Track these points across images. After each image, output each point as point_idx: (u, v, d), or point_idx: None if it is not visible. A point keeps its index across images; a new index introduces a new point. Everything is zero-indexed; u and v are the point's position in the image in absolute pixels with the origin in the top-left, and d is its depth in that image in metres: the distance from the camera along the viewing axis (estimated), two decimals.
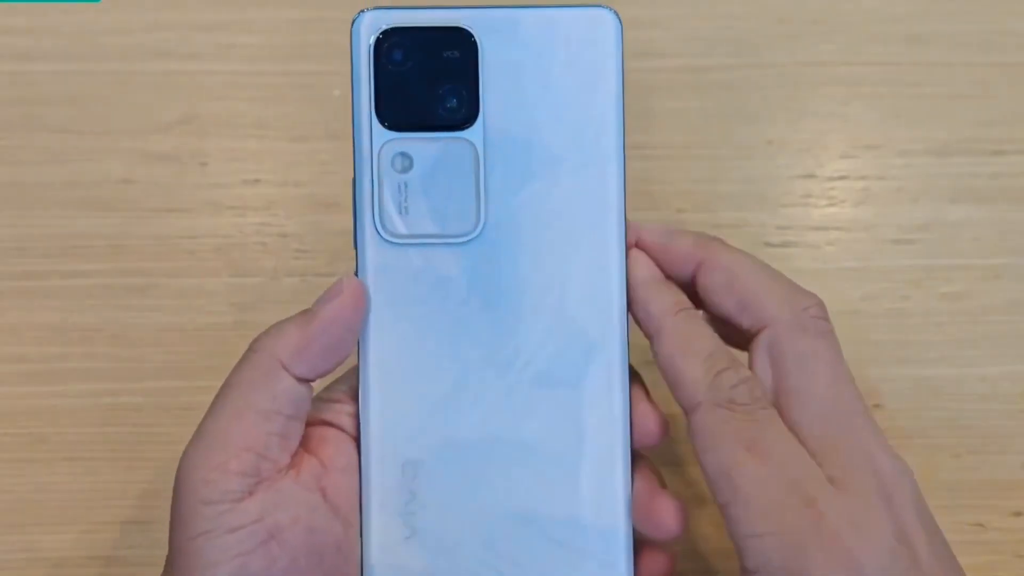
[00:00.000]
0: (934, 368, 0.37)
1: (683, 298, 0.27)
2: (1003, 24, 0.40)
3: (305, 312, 0.26)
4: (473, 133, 0.25)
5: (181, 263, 0.38)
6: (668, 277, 0.28)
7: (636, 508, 0.26)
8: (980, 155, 0.38)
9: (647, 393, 0.27)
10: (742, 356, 0.27)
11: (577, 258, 0.26)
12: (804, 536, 0.23)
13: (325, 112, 0.40)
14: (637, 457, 0.27)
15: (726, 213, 0.38)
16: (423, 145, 0.25)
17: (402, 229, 0.26)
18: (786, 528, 0.23)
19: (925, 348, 0.37)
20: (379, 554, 0.26)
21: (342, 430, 0.27)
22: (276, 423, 0.25)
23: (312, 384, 0.26)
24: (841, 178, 0.39)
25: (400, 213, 0.25)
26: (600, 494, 0.26)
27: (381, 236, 0.26)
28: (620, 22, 0.26)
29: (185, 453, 0.25)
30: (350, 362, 0.27)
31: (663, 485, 0.27)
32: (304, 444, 0.26)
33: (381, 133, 0.25)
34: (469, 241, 0.26)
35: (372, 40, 0.25)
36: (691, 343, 0.26)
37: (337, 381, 0.28)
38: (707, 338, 0.26)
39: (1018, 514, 0.35)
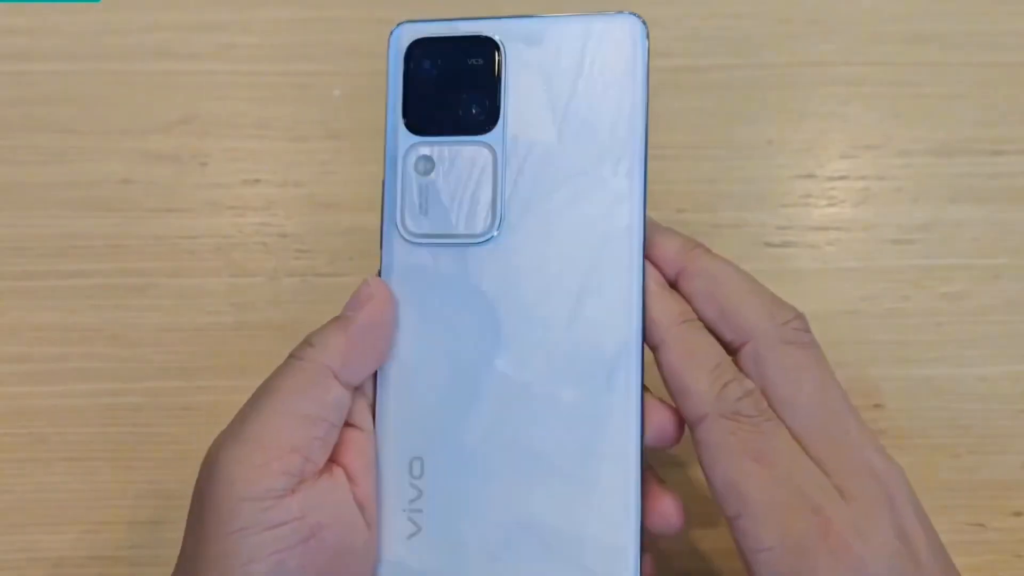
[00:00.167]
0: (934, 368, 0.37)
1: (687, 308, 0.27)
2: (1003, 24, 0.40)
3: (341, 319, 0.26)
4: (493, 137, 0.26)
5: (181, 263, 0.38)
6: None
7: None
8: (980, 155, 0.38)
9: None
10: None
11: (597, 262, 0.26)
12: (812, 544, 0.23)
13: (325, 112, 0.40)
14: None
15: (726, 213, 0.38)
16: (445, 149, 0.26)
17: (422, 229, 0.26)
18: (795, 537, 0.23)
19: (925, 348, 0.37)
20: (387, 550, 0.26)
21: (363, 430, 0.27)
22: (321, 428, 0.25)
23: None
24: (841, 178, 0.39)
25: (421, 213, 0.26)
26: (610, 509, 0.26)
27: (403, 236, 0.26)
28: (646, 28, 0.26)
29: (219, 451, 0.25)
30: None
31: (660, 480, 0.27)
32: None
33: (406, 137, 0.26)
34: (487, 242, 0.26)
35: (403, 50, 0.27)
36: (696, 354, 0.26)
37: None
38: (712, 350, 0.26)
39: (1018, 514, 0.35)
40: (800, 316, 0.27)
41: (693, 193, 0.38)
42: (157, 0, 0.41)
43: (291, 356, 0.26)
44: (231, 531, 0.23)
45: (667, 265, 0.27)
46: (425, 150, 0.26)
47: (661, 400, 0.27)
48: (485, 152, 0.26)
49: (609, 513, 0.26)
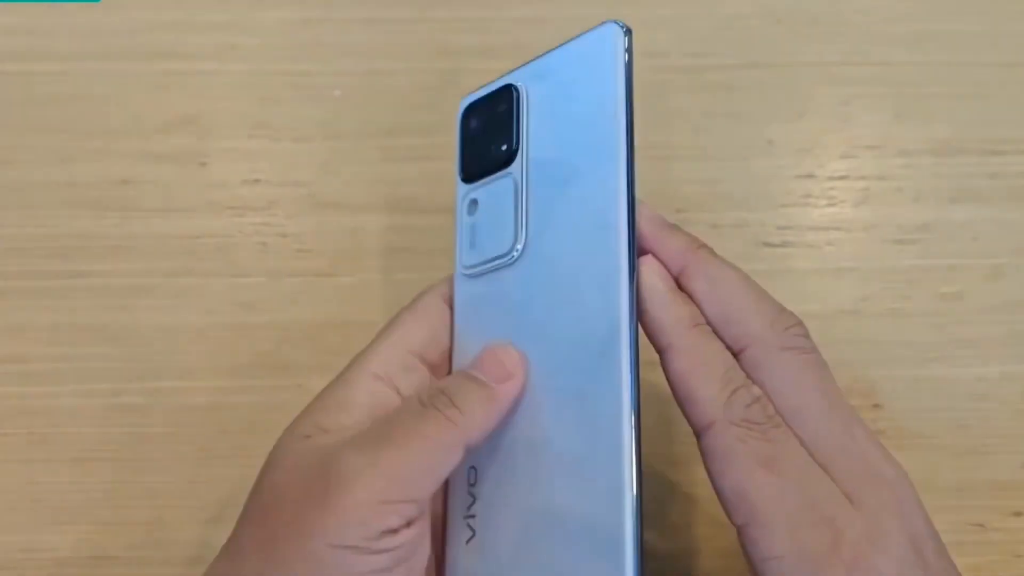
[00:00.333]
0: (934, 368, 0.37)
1: (696, 311, 0.27)
2: (1003, 24, 0.40)
3: (486, 389, 0.26)
4: (515, 167, 0.29)
5: (181, 263, 0.38)
6: None
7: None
8: (980, 155, 0.38)
9: None
10: None
11: (588, 267, 0.26)
12: (824, 553, 0.23)
13: (325, 112, 0.40)
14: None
15: (726, 213, 0.38)
16: (484, 189, 0.30)
17: (471, 261, 0.29)
18: (806, 547, 0.23)
19: (925, 348, 0.37)
20: (451, 556, 0.28)
21: None
22: (438, 484, 0.26)
23: None
24: (841, 178, 0.39)
25: (471, 248, 0.29)
26: (605, 501, 0.26)
27: (463, 273, 0.30)
28: (625, 32, 0.27)
29: (347, 466, 0.24)
30: None
31: None
32: None
33: (463, 188, 0.30)
34: (513, 259, 0.28)
35: (460, 115, 0.31)
36: (706, 360, 0.26)
37: None
38: (721, 355, 0.26)
39: (1018, 514, 0.35)
40: (800, 323, 0.26)
41: (693, 193, 0.38)
42: (157, 0, 0.41)
43: (433, 406, 0.26)
44: (338, 545, 0.23)
45: (670, 262, 0.27)
46: (473, 195, 0.30)
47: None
48: (509, 182, 0.29)
49: (605, 505, 0.26)
